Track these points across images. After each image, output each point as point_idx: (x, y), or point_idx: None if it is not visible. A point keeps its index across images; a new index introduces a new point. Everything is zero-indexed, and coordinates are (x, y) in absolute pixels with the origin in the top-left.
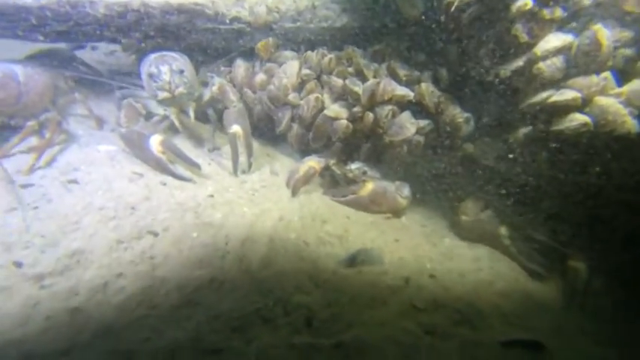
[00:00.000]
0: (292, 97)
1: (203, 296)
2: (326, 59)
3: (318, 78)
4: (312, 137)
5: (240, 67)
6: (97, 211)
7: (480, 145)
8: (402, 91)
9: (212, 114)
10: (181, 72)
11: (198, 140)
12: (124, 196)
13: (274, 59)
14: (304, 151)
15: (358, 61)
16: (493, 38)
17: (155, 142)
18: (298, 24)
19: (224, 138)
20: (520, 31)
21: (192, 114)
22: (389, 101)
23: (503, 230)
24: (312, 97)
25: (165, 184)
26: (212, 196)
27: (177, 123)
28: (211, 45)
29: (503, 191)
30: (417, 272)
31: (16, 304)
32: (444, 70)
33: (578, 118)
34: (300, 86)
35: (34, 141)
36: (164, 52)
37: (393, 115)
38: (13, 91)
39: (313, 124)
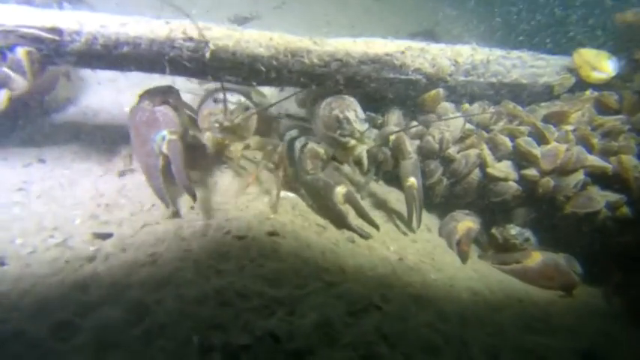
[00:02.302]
0: (452, 151)
1: None
2: (487, 114)
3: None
4: (463, 194)
5: (394, 114)
6: (315, 271)
7: None
8: (597, 162)
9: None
10: (365, 120)
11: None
12: (326, 253)
13: (434, 110)
14: (444, 204)
15: (534, 122)
16: None
17: (339, 193)
18: (470, 78)
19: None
20: None
21: (365, 160)
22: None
23: None
24: (473, 152)
25: (353, 242)
26: (401, 259)
27: (351, 171)
28: (382, 93)
29: None
30: None
31: None
32: None
33: None
34: (460, 140)
35: None
36: (340, 95)
37: (584, 187)
38: None
39: (466, 180)
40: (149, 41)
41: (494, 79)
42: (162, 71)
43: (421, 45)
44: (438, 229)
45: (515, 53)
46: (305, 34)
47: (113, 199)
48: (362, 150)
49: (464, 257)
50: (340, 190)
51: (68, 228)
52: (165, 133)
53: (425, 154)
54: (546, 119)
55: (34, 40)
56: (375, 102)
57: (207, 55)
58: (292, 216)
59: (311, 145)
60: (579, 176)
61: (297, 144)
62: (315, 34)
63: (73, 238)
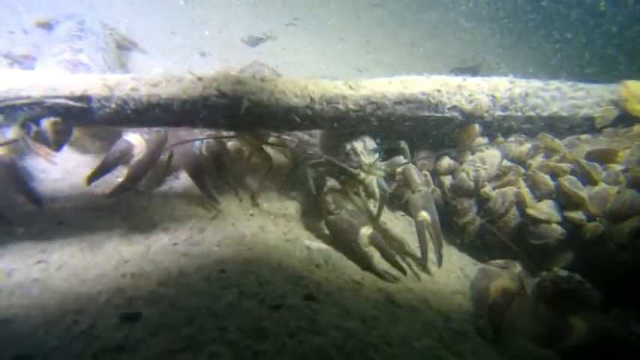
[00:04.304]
0: (487, 189)
1: None
2: (524, 148)
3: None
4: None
5: (423, 152)
6: (359, 347)
7: None
8: None
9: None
10: (374, 150)
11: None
12: (367, 321)
13: (468, 145)
14: (473, 243)
15: (578, 160)
16: None
17: (364, 235)
18: (508, 112)
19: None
20: None
21: (376, 189)
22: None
23: None
24: (510, 190)
25: (393, 302)
26: (447, 321)
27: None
28: (416, 131)
29: None
30: None
31: None
32: None
33: None
34: (496, 177)
35: None
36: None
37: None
38: None
39: (502, 220)
40: (181, 101)
41: (532, 113)
42: (192, 127)
43: (458, 81)
44: (470, 286)
45: (554, 84)
46: (318, 53)
47: (138, 266)
48: (372, 180)
49: (495, 325)
50: (365, 232)
51: (93, 309)
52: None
53: (458, 191)
54: (590, 157)
55: (61, 110)
56: (406, 139)
57: (242, 111)
58: (326, 272)
59: (331, 183)
60: (634, 223)
61: (311, 172)
62: (328, 52)
63: (99, 323)
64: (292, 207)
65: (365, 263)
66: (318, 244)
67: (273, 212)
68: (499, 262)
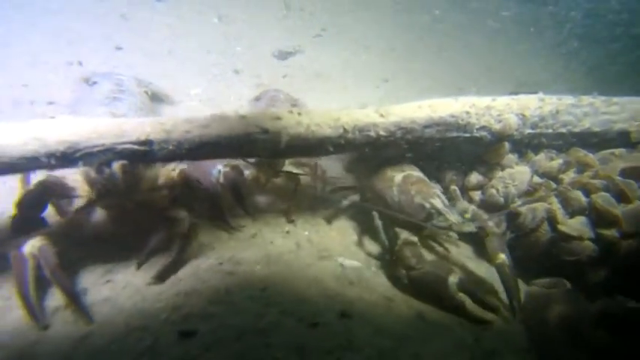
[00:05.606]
0: (517, 205)
1: None
2: (554, 163)
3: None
4: (529, 250)
5: (449, 173)
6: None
7: None
8: None
9: None
10: (451, 206)
11: None
12: (399, 339)
13: (498, 162)
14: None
15: (612, 177)
16: None
17: (453, 284)
18: (538, 130)
19: None
20: None
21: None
22: None
23: None
24: (540, 206)
25: (423, 319)
26: (477, 340)
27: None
28: (444, 152)
29: None
30: None
31: None
32: None
33: None
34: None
35: None
36: (404, 169)
37: None
38: None
39: (533, 235)
40: (229, 139)
41: (563, 130)
42: (234, 158)
43: (486, 102)
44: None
45: (586, 100)
46: (345, 64)
47: (190, 284)
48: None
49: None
50: (453, 280)
51: (155, 326)
52: (220, 167)
53: (488, 207)
54: (624, 173)
55: (127, 153)
56: (431, 159)
57: (282, 145)
58: (360, 289)
59: (404, 235)
60: None
61: (381, 224)
62: (354, 62)
63: (161, 340)
64: (324, 224)
65: (459, 311)
66: (350, 262)
67: (307, 229)
68: (544, 281)
